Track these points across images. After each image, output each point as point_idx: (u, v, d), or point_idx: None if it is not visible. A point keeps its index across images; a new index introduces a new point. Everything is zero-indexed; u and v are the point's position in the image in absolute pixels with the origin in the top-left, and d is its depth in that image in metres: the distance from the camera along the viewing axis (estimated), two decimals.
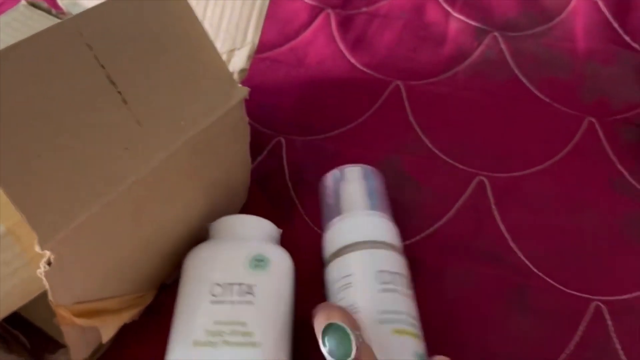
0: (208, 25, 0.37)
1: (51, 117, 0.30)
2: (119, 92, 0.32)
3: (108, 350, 0.41)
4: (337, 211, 0.41)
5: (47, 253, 0.29)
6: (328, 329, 0.32)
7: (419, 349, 0.36)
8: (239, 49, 0.40)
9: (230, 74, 0.38)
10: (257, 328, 0.35)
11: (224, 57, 0.40)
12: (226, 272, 0.37)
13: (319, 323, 0.33)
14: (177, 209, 0.38)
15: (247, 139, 0.42)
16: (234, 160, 0.42)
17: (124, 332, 0.41)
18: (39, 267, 0.30)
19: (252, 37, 0.40)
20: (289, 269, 0.39)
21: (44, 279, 0.30)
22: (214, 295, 0.36)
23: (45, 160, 0.29)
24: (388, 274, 0.38)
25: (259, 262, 0.38)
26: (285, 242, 0.42)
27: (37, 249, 0.29)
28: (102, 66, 0.32)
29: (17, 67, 0.29)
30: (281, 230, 0.42)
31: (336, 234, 0.40)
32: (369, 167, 0.44)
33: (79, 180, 0.30)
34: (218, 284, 0.37)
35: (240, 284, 0.37)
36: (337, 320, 0.32)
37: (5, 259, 0.32)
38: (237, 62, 0.40)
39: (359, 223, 0.40)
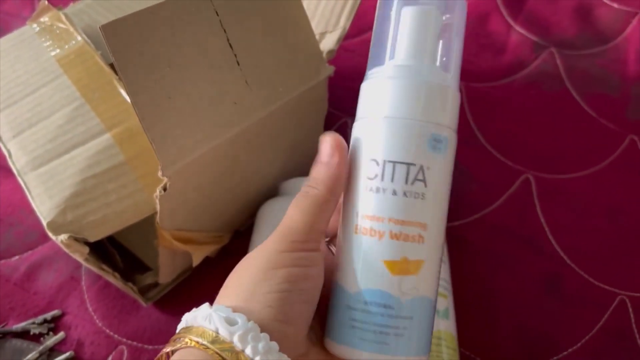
0: (306, 8, 0.42)
1: (182, 67, 0.35)
2: (235, 55, 0.38)
3: (183, 282, 0.46)
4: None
5: (165, 180, 0.35)
6: None
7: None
8: (330, 32, 0.46)
9: (321, 53, 0.43)
10: None
11: (317, 37, 0.45)
12: None
13: None
14: (261, 164, 0.44)
15: (324, 112, 0.47)
16: (310, 130, 0.47)
17: (199, 268, 0.47)
18: (151, 193, 0.36)
19: (344, 22, 0.45)
20: None
21: (157, 202, 0.35)
22: None
23: (173, 103, 0.35)
24: None
25: None
26: None
27: (159, 174, 0.34)
28: (225, 30, 0.37)
29: (159, 22, 0.34)
30: None
31: None
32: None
33: (197, 123, 0.36)
34: None
35: None
36: None
37: (123, 182, 0.38)
38: (328, 43, 0.45)
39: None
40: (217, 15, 0.37)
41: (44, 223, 0.36)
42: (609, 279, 0.48)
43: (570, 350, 0.45)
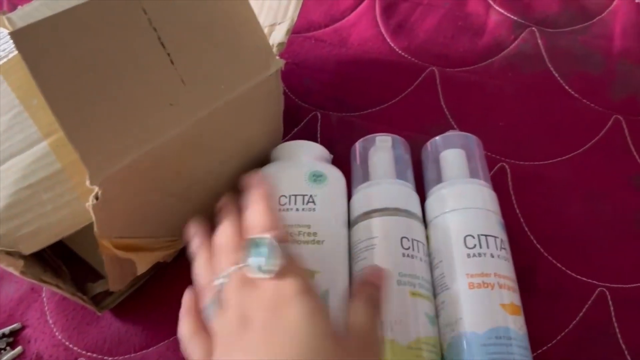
0: (253, 0, 0.40)
1: (107, 70, 0.34)
2: (168, 54, 0.36)
3: (141, 288, 0.45)
4: (366, 177, 0.45)
5: (96, 188, 0.33)
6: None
7: (430, 311, 0.39)
8: (279, 23, 0.44)
9: (270, 46, 0.41)
10: (319, 229, 0.41)
11: (266, 30, 0.43)
12: (290, 185, 0.43)
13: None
14: (213, 164, 0.42)
15: (281, 107, 0.45)
16: (267, 126, 0.45)
17: (158, 272, 0.45)
18: (87, 201, 0.34)
19: (292, 13, 0.43)
20: (342, 182, 0.45)
21: (91, 211, 0.34)
22: (281, 204, 0.42)
23: (99, 108, 0.33)
24: (408, 240, 0.41)
25: (317, 177, 0.43)
26: None
27: (87, 183, 0.33)
28: (155, 29, 0.35)
29: (78, 25, 0.33)
30: (332, 156, 0.48)
31: (364, 198, 0.44)
32: (397, 137, 0.48)
33: (127, 127, 0.34)
34: (284, 195, 0.42)
35: (303, 195, 0.42)
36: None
37: (59, 192, 0.36)
38: (277, 35, 0.43)
39: (387, 190, 0.44)
40: (145, 13, 0.35)
41: None
42: (588, 270, 0.45)
43: (548, 346, 0.43)
